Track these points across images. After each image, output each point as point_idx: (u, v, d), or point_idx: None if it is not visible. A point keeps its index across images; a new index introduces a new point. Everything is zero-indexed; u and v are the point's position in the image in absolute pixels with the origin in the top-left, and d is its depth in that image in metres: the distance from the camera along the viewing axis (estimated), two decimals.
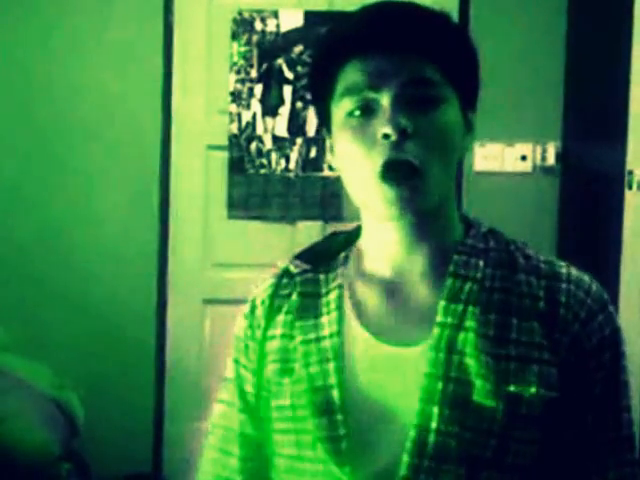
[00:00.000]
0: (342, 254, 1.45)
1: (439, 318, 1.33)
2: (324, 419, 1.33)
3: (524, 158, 3.94)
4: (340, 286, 1.41)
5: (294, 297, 1.43)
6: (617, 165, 3.20)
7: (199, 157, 3.99)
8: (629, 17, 3.12)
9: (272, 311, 1.44)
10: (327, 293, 1.41)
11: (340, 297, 1.39)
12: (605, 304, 1.37)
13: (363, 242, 1.44)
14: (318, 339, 1.38)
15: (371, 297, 1.39)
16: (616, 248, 3.11)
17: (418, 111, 1.33)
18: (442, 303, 1.34)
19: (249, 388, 1.45)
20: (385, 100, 1.32)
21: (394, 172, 1.32)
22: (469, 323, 1.32)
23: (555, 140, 3.94)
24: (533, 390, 1.29)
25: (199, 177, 4.00)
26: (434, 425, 1.28)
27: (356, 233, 1.47)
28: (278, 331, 1.42)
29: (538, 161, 3.94)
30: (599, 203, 3.49)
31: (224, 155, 3.98)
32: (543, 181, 3.95)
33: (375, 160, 1.32)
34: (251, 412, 1.44)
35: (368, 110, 1.34)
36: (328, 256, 1.46)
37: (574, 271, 1.39)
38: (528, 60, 3.95)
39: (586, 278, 1.38)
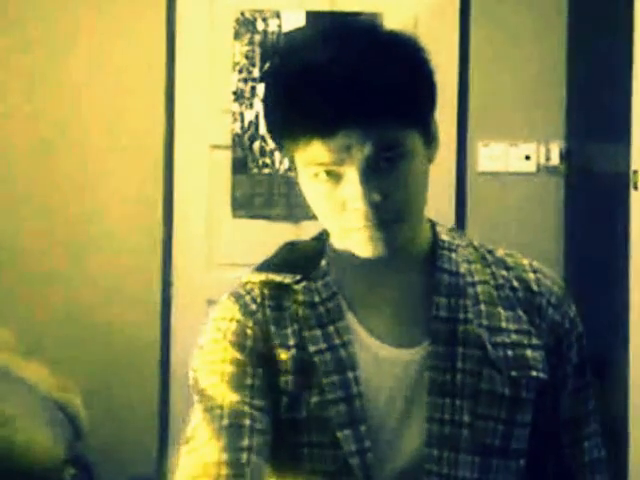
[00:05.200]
0: (323, 262, 1.41)
1: (436, 313, 1.36)
2: (348, 431, 1.32)
3: (528, 158, 3.93)
4: (335, 294, 1.39)
5: (293, 307, 1.39)
6: (622, 164, 3.19)
7: (202, 156, 3.99)
8: (630, 15, 3.11)
9: (270, 322, 1.38)
10: (323, 302, 1.38)
11: (339, 305, 1.38)
12: (565, 289, 1.45)
13: (339, 247, 1.41)
14: (331, 349, 1.35)
15: (365, 301, 1.39)
16: (623, 248, 3.09)
17: (386, 174, 1.28)
18: (436, 298, 1.36)
19: (249, 380, 1.35)
20: (352, 172, 1.27)
21: (367, 234, 1.30)
22: (464, 315, 1.36)
23: (559, 140, 3.93)
24: (533, 374, 1.36)
25: (203, 176, 3.99)
26: (448, 417, 1.32)
27: (322, 240, 1.44)
28: (290, 341, 1.37)
29: (542, 161, 3.93)
30: (604, 203, 3.49)
31: (228, 154, 3.98)
32: (547, 181, 3.94)
33: (346, 225, 1.30)
34: (260, 407, 1.33)
35: (334, 176, 1.29)
36: (309, 265, 1.42)
37: (535, 262, 1.46)
38: (531, 59, 3.95)
39: (545, 268, 1.45)
